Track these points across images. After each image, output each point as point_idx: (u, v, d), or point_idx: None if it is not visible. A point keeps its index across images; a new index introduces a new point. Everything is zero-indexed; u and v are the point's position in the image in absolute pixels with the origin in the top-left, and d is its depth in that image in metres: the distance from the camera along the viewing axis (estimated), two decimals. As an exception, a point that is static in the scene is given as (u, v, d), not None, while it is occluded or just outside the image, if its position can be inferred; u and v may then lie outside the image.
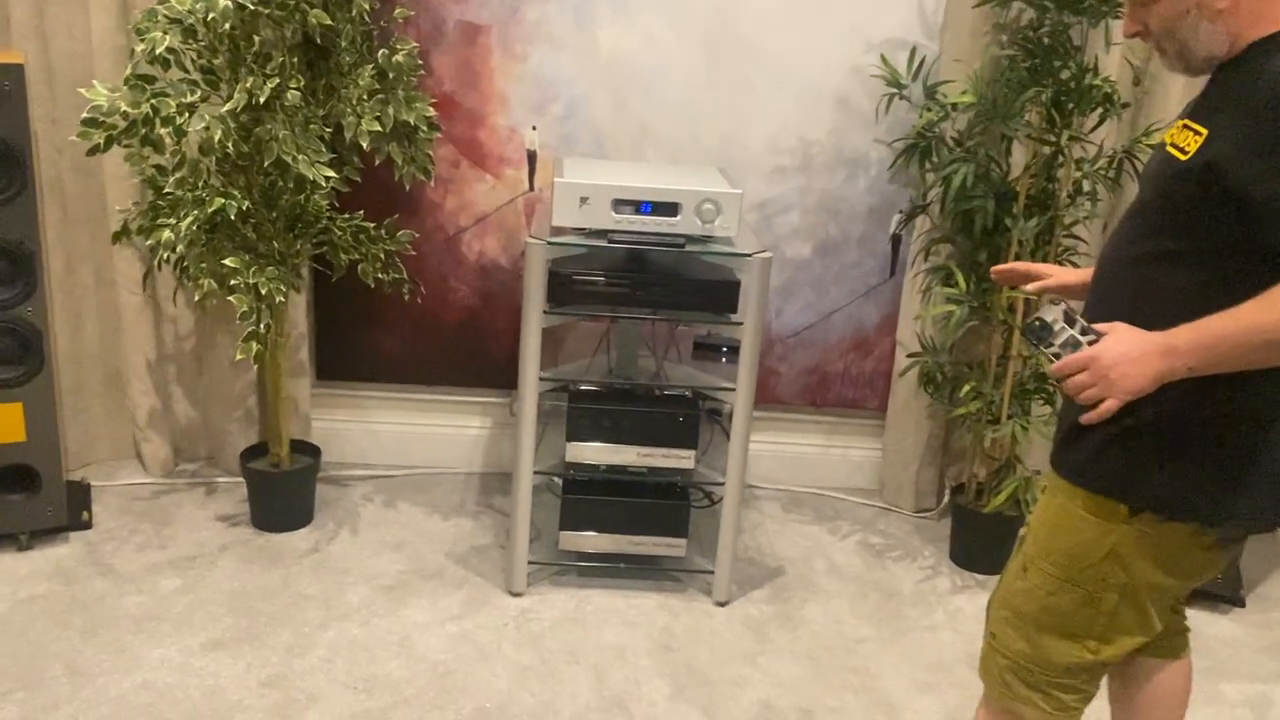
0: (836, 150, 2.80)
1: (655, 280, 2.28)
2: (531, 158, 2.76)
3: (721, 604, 2.48)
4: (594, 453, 2.39)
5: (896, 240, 2.89)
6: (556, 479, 2.51)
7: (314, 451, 2.71)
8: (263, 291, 2.30)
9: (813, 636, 2.39)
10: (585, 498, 2.43)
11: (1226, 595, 2.64)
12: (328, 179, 2.25)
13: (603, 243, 2.24)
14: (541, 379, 2.31)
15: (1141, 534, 1.39)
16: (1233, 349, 1.26)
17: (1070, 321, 1.37)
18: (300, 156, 2.22)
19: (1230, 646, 2.48)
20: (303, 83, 2.25)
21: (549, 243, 2.23)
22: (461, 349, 2.90)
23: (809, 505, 3.01)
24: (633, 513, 2.44)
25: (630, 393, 2.43)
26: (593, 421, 2.37)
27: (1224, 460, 1.36)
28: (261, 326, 2.29)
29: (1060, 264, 2.53)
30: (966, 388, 2.61)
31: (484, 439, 2.99)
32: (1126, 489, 1.39)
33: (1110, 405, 1.33)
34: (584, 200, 2.23)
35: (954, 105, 2.49)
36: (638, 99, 2.72)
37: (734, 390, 2.33)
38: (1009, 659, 1.53)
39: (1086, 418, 1.36)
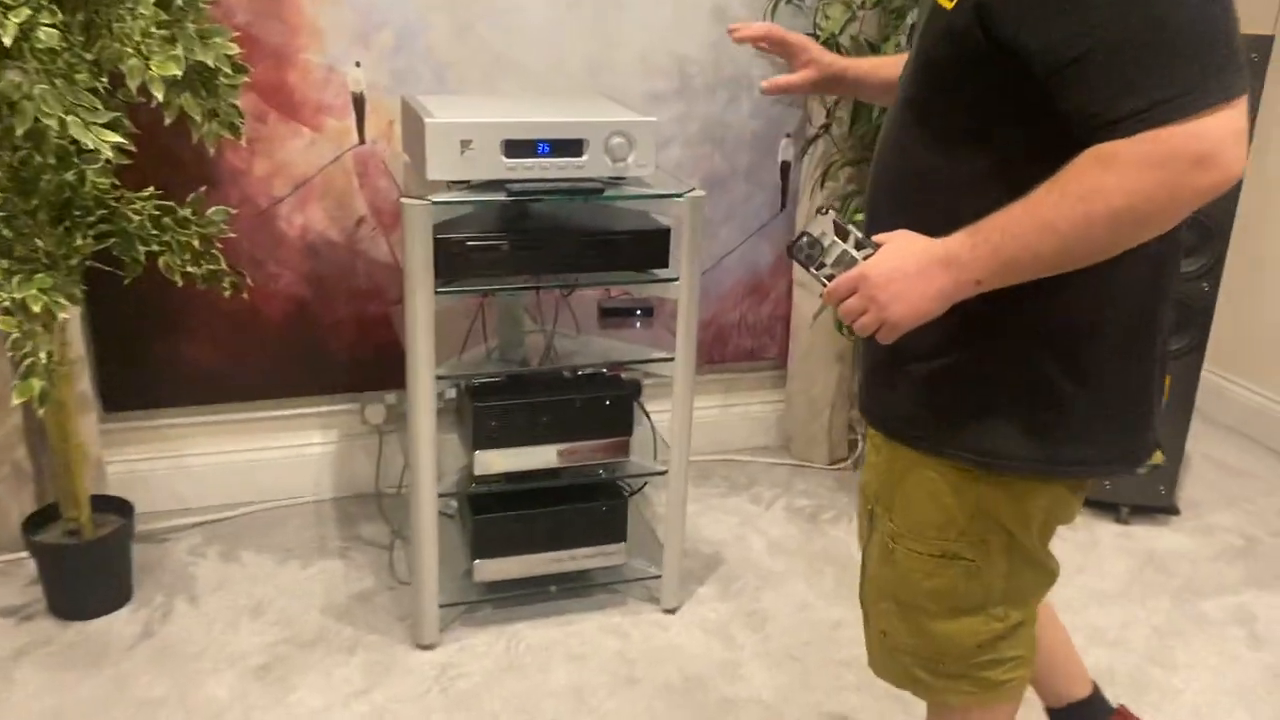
0: (716, 69, 2.42)
1: (571, 238, 1.84)
2: (358, 102, 2.22)
3: (672, 611, 2.10)
4: (508, 459, 1.93)
5: (785, 168, 2.56)
6: (451, 500, 2.04)
7: (121, 507, 2.09)
8: (34, 309, 1.68)
9: (785, 632, 2.06)
10: (501, 516, 1.97)
11: (1162, 506, 2.53)
12: (112, 146, 1.65)
13: (499, 196, 1.77)
14: (439, 378, 1.82)
15: (1001, 484, 1.13)
16: (1022, 253, 0.97)
17: (842, 234, 1.09)
18: (70, 118, 1.60)
19: (1188, 560, 2.36)
20: (59, 16, 1.62)
21: (435, 202, 1.73)
22: (290, 351, 2.34)
23: (718, 474, 2.67)
24: (560, 523, 2.01)
25: (540, 381, 1.98)
26: (504, 422, 1.90)
27: (1054, 401, 1.09)
28: (42, 356, 1.67)
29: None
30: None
31: (332, 457, 2.44)
32: (951, 443, 1.12)
33: (885, 335, 1.04)
34: (466, 145, 1.75)
35: (860, 4, 2.17)
36: (485, 22, 2.23)
37: (672, 360, 1.94)
38: (910, 654, 1.26)
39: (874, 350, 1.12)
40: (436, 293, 1.76)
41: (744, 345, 2.69)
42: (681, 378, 1.94)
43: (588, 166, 1.81)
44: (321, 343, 2.35)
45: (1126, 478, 2.45)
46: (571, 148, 1.80)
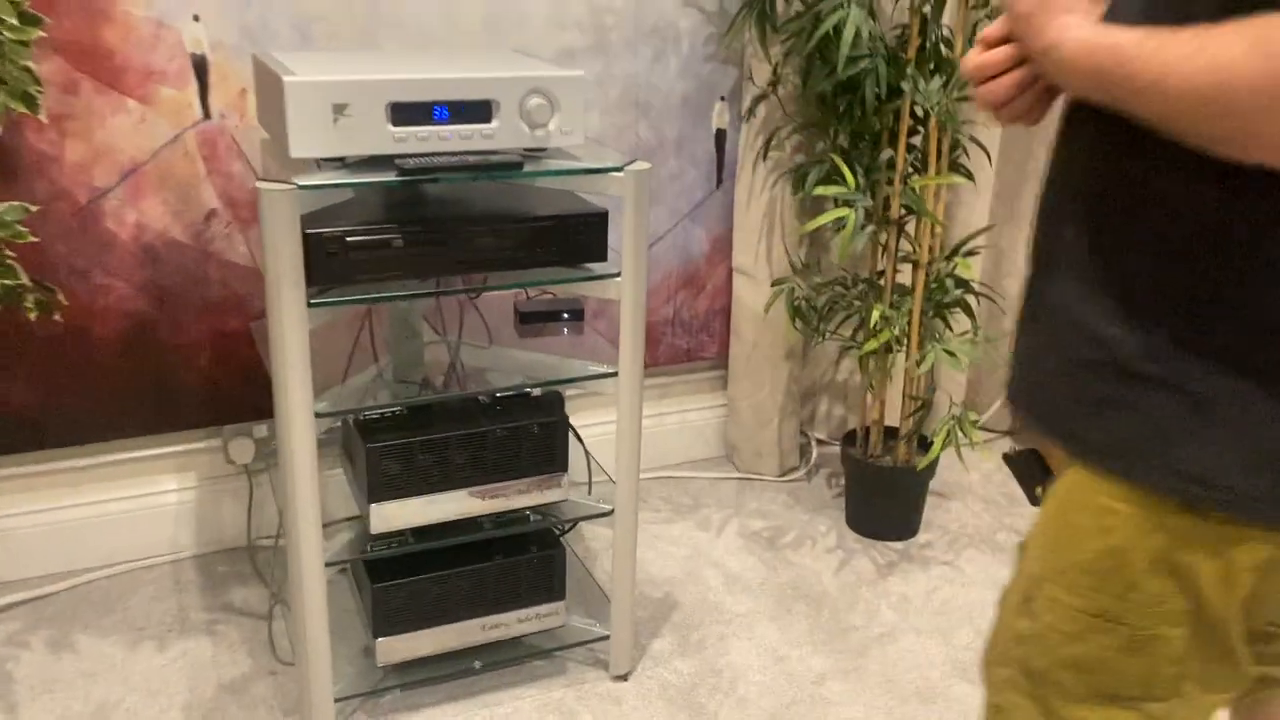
0: (637, 21, 2.04)
1: (482, 228, 1.44)
2: (199, 67, 1.77)
3: (624, 677, 1.73)
4: (413, 511, 1.52)
5: (721, 138, 2.20)
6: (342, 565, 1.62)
7: (-92, 596, 1.61)
8: None
9: (762, 692, 1.71)
10: (407, 582, 1.57)
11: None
12: None
13: (386, 176, 1.36)
14: (320, 415, 1.41)
15: (1205, 526, 0.79)
16: (1125, 81, 0.73)
17: None
18: None
19: None
20: None
21: (301, 187, 1.31)
22: (129, 381, 1.88)
23: (657, 494, 2.30)
24: (482, 584, 1.62)
25: (448, 410, 1.58)
26: (405, 465, 1.50)
27: None
28: None
29: (957, 141, 1.96)
30: (874, 313, 2.00)
31: (191, 507, 1.99)
32: (1151, 462, 0.79)
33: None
34: (340, 111, 1.34)
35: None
36: (355, -37, 1.81)
37: (614, 375, 1.56)
38: None
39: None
40: (310, 304, 1.34)
41: (679, 345, 2.33)
42: (628, 394, 1.56)
43: (499, 136, 1.41)
44: (169, 369, 1.90)
45: None
46: (478, 112, 1.40)
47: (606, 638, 1.71)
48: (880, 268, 2.03)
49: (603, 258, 1.50)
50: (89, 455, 1.91)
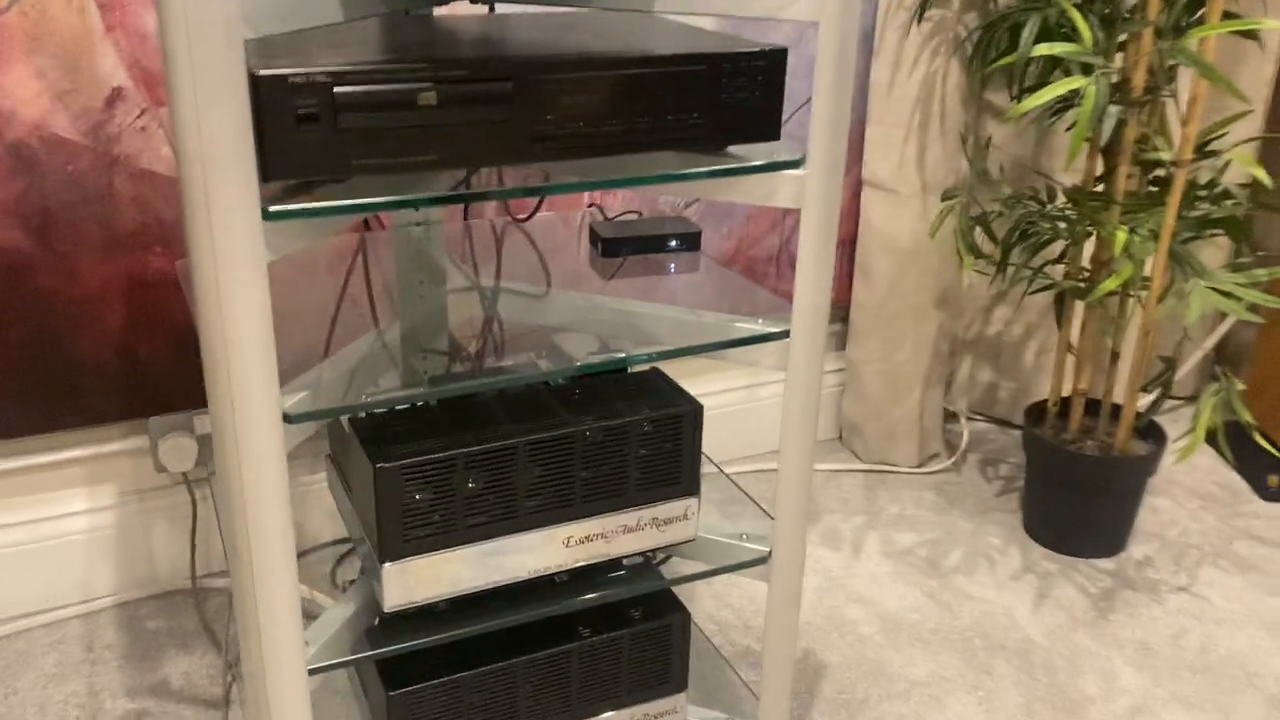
0: None
1: (581, 75, 0.80)
2: None
3: (772, 798, 1.13)
4: (453, 570, 0.90)
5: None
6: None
7: None
8: None
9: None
10: (442, 683, 0.95)
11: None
12: None
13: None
14: (290, 418, 0.78)
15: None
16: None
17: None
18: None
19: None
20: None
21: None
22: (7, 356, 1.25)
23: (756, 493, 1.70)
24: (561, 678, 1.00)
25: (499, 402, 0.96)
26: (439, 495, 0.87)
27: None
28: None
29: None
30: (1118, 237, 1.39)
31: (110, 533, 1.37)
32: None
33: None
34: None
35: None
36: None
37: (782, 336, 0.94)
38: None
39: None
40: (267, 216, 0.71)
41: (783, 292, 1.71)
42: (804, 366, 0.94)
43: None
44: (60, 335, 1.26)
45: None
46: None
47: (750, 742, 1.11)
48: (1098, 174, 1.41)
49: (773, 135, 0.87)
50: (-54, 467, 1.28)
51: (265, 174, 0.70)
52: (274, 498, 0.76)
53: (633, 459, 0.93)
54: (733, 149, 0.88)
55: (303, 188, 0.75)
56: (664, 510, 0.96)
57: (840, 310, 1.76)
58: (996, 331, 1.84)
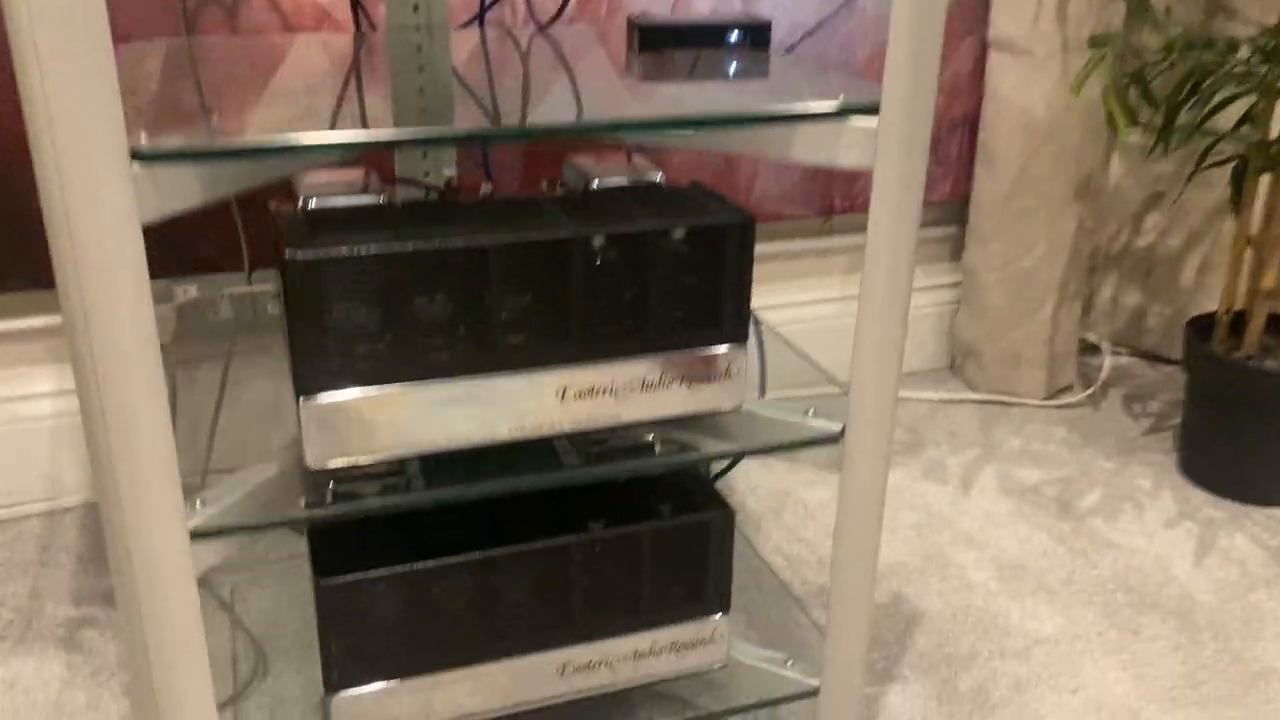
0: None
1: None
2: None
3: (843, 770, 0.86)
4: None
5: None
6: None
7: None
8: None
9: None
10: (395, 575, 0.71)
11: None
12: None
13: None
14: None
15: None
16: None
17: None
18: None
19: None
20: None
21: None
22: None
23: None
24: (564, 582, 0.76)
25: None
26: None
27: None
28: None
29: None
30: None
31: (76, 424, 1.18)
32: None
33: None
34: None
35: None
36: None
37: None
38: None
39: None
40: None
41: (891, 178, 1.43)
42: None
43: None
44: (10, 182, 1.07)
45: None
46: None
47: (814, 692, 0.84)
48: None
49: None
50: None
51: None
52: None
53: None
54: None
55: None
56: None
57: (956, 208, 1.47)
58: (1148, 243, 1.52)
